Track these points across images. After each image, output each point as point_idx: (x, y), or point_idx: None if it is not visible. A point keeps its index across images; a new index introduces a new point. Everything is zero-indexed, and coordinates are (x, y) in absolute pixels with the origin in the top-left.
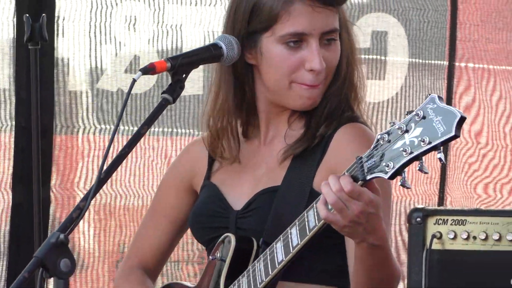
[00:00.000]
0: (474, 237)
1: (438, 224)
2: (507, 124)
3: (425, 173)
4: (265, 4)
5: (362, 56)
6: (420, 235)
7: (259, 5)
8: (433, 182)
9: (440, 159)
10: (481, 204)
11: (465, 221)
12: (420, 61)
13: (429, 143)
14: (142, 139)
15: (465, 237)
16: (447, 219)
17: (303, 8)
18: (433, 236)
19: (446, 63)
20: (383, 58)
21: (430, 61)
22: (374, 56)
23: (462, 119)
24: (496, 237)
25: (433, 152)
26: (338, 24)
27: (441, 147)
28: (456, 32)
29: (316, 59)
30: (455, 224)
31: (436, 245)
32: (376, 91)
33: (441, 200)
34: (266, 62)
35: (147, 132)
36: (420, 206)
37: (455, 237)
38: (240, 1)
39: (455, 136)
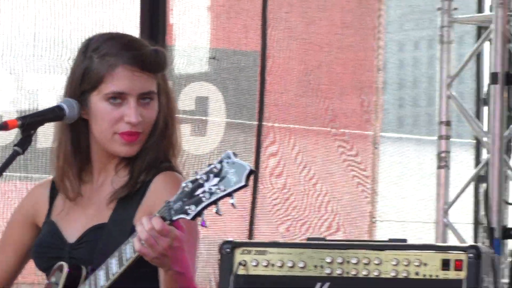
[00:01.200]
0: (273, 264)
1: (243, 253)
2: (302, 172)
3: (220, 215)
4: (94, 68)
5: (188, 117)
6: (229, 263)
7: (89, 69)
8: (244, 220)
9: (232, 204)
10: (282, 238)
11: (265, 252)
12: (235, 121)
13: (224, 190)
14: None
15: (265, 264)
16: (251, 250)
17: (124, 72)
18: (239, 263)
19: (256, 122)
20: (204, 118)
21: (243, 121)
22: (197, 117)
23: (251, 172)
24: (290, 264)
25: (228, 197)
26: (155, 87)
27: (233, 194)
28: (263, 98)
29: (133, 114)
30: (257, 254)
31: (241, 271)
32: (199, 145)
33: (251, 235)
34: (95, 116)
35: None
36: (229, 239)
37: (257, 265)
38: (75, 67)
39: (245, 186)
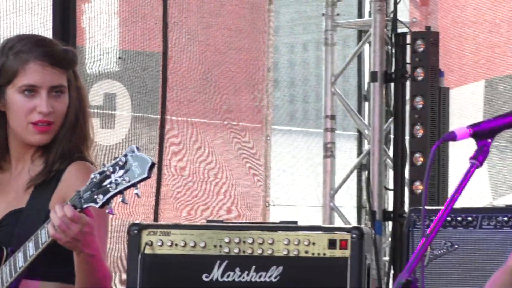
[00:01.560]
0: (176, 244)
1: (150, 235)
2: (203, 161)
3: (125, 203)
4: (9, 64)
5: (98, 111)
6: (137, 243)
7: (5, 66)
8: (150, 205)
9: (136, 194)
10: (184, 221)
11: (169, 233)
12: (140, 115)
13: (129, 181)
14: None
15: (170, 244)
16: (157, 231)
17: (35, 66)
18: (146, 243)
19: (159, 116)
20: (112, 112)
21: (147, 115)
22: (106, 111)
23: (153, 165)
24: (192, 244)
25: (133, 188)
26: (65, 82)
27: (137, 185)
28: (166, 94)
29: (44, 104)
30: (162, 235)
31: (148, 251)
32: (108, 137)
33: (156, 218)
34: (11, 108)
35: None
36: (137, 222)
37: (162, 245)
38: None
39: (148, 177)
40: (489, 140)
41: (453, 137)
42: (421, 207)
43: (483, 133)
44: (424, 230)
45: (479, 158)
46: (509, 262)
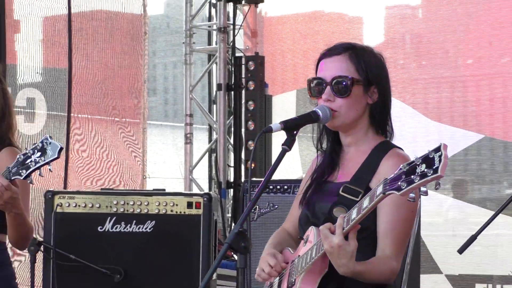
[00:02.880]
0: (79, 205)
1: (60, 198)
2: (98, 146)
3: (41, 176)
4: None
5: (22, 110)
6: (51, 205)
7: None
8: (60, 178)
9: (50, 169)
10: (85, 189)
11: (74, 197)
12: (53, 113)
13: (44, 160)
14: None
15: (75, 205)
16: (65, 196)
17: None
18: (57, 205)
19: (66, 114)
20: (33, 111)
21: (58, 113)
22: (28, 110)
23: (61, 149)
24: (90, 205)
25: (47, 165)
26: None
27: (50, 163)
28: (71, 97)
29: None
30: (69, 199)
31: (59, 210)
32: (29, 129)
33: (65, 187)
34: None
35: None
36: (51, 189)
37: (69, 205)
38: None
39: (57, 157)
40: (295, 132)
41: (270, 129)
42: (252, 179)
43: (290, 127)
44: (250, 196)
45: (289, 145)
46: (284, 224)
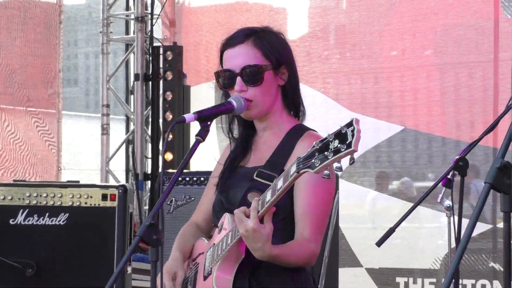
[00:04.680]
0: None
1: None
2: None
3: None
4: None
5: None
6: None
7: None
8: None
9: None
10: None
11: None
12: None
13: None
14: None
15: None
16: None
17: None
18: None
19: None
20: None
21: None
22: None
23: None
24: (2, 197)
25: None
26: None
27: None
28: None
29: None
30: None
31: None
32: None
33: None
34: None
35: None
36: None
37: None
38: None
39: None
40: (209, 123)
41: (183, 120)
42: (168, 171)
43: (204, 117)
44: (163, 188)
45: (202, 135)
46: (192, 217)
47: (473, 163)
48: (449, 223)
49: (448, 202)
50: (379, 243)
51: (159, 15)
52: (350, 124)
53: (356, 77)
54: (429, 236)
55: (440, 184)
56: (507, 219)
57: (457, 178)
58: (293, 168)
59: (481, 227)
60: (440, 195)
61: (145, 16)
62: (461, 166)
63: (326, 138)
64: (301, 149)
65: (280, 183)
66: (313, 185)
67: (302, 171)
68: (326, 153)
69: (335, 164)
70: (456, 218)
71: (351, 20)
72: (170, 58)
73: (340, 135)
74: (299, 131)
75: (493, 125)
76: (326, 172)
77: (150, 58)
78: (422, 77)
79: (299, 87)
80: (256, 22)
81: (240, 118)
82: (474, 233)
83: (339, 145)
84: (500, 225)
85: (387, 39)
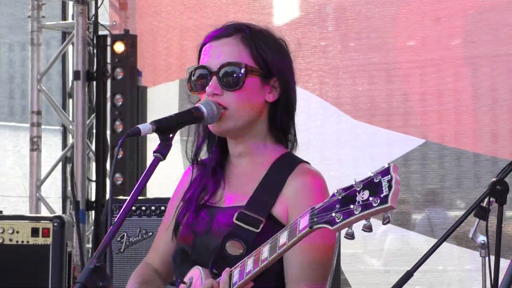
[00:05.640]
0: None
1: None
2: None
3: None
4: None
5: None
6: None
7: None
8: None
9: None
10: None
11: None
12: None
13: None
14: None
15: None
16: None
17: None
18: None
19: None
20: None
21: None
22: None
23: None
24: None
25: None
26: None
27: None
28: None
29: None
30: None
31: None
32: None
33: None
34: None
35: None
36: None
37: None
38: None
39: None
40: (171, 135)
41: (138, 132)
42: (119, 197)
43: (165, 129)
44: (111, 220)
45: (162, 152)
46: (148, 257)
47: None
48: (483, 264)
49: (482, 238)
50: None
51: None
52: (386, 172)
53: (363, 75)
54: (458, 281)
55: (472, 214)
56: None
57: (494, 206)
58: (304, 221)
59: None
60: (473, 229)
61: None
62: (499, 190)
63: (352, 186)
64: (295, 188)
65: (283, 238)
66: (312, 238)
67: (316, 226)
68: (352, 206)
69: (346, 229)
70: (492, 258)
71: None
72: (120, 50)
73: (372, 185)
74: (289, 162)
75: None
76: (349, 231)
77: (95, 51)
78: (448, 75)
79: (293, 112)
80: (235, 4)
81: (213, 134)
82: None
83: (370, 198)
84: None
85: (403, 25)
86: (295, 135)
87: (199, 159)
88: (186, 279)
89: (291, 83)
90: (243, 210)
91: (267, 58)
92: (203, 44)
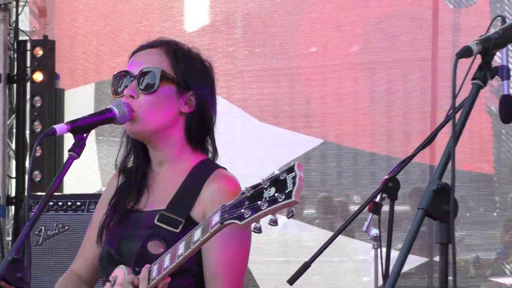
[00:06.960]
0: None
1: None
2: None
3: None
4: None
5: None
6: None
7: None
8: None
9: None
10: None
11: None
12: None
13: None
14: None
15: None
16: None
17: None
18: None
19: None
20: None
21: None
22: None
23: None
24: None
25: None
26: None
27: None
28: None
29: None
30: None
31: None
32: None
33: None
34: None
35: None
36: None
37: None
38: None
39: None
40: (85, 135)
41: (54, 132)
42: (38, 193)
43: (79, 129)
44: (29, 215)
45: (76, 150)
46: (73, 265)
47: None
48: (376, 256)
49: (375, 231)
50: (292, 281)
51: (26, 2)
52: (291, 170)
53: (268, 79)
54: (352, 271)
55: (366, 209)
56: (444, 252)
57: (387, 202)
58: (216, 218)
59: (414, 261)
60: (366, 223)
61: (8, 3)
62: (391, 187)
63: (259, 184)
64: (211, 192)
65: (197, 235)
66: (227, 237)
67: (227, 222)
68: (259, 202)
69: (254, 224)
70: (384, 250)
71: (261, 8)
72: (39, 55)
73: (277, 182)
74: (207, 168)
75: (430, 138)
76: (257, 225)
77: (15, 55)
78: (347, 80)
79: (211, 126)
80: (148, 12)
81: (137, 144)
82: (406, 268)
83: (276, 194)
84: (437, 258)
85: (306, 32)
86: (213, 145)
87: (124, 168)
88: (111, 278)
89: (208, 101)
90: (164, 212)
91: (187, 72)
92: (132, 54)
